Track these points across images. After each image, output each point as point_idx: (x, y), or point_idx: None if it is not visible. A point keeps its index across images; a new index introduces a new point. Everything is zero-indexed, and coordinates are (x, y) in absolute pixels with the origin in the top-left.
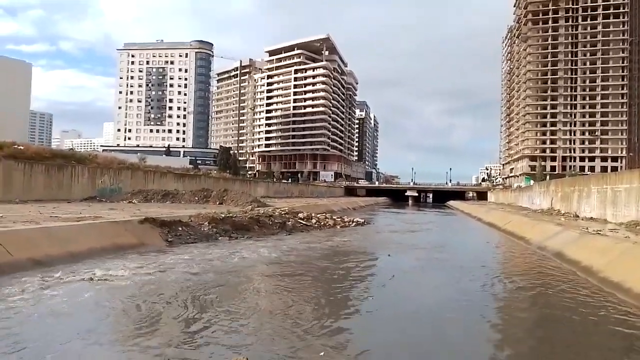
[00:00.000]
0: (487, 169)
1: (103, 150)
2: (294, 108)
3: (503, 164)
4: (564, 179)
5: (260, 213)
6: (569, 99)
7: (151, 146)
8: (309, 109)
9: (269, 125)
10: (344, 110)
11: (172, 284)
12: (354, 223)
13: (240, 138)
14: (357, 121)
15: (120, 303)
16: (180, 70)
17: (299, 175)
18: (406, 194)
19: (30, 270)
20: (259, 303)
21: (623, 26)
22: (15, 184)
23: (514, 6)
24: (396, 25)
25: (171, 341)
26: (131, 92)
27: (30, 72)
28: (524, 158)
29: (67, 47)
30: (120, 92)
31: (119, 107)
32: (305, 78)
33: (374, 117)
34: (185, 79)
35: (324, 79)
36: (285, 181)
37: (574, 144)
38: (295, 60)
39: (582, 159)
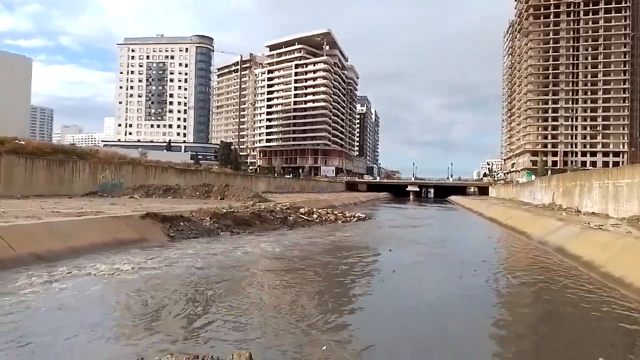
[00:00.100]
0: (489, 164)
1: (104, 145)
2: (295, 103)
3: (504, 159)
4: (566, 174)
5: (261, 208)
6: (570, 93)
7: (152, 141)
8: (309, 104)
9: (269, 120)
10: (344, 105)
11: (177, 279)
12: (355, 218)
13: (241, 133)
14: (358, 116)
15: (126, 297)
16: (180, 65)
17: (300, 170)
18: (407, 189)
19: (33, 265)
20: (262, 298)
21: (625, 20)
22: (17, 179)
23: (515, 0)
24: (396, 25)
25: (176, 336)
26: (131, 87)
27: (31, 67)
28: (526, 153)
29: (66, 42)
30: (121, 87)
31: (120, 102)
32: (306, 73)
33: (375, 112)
34: (186, 74)
35: (324, 73)
36: (287, 176)
37: (576, 138)
38: (296, 55)
39: (583, 153)
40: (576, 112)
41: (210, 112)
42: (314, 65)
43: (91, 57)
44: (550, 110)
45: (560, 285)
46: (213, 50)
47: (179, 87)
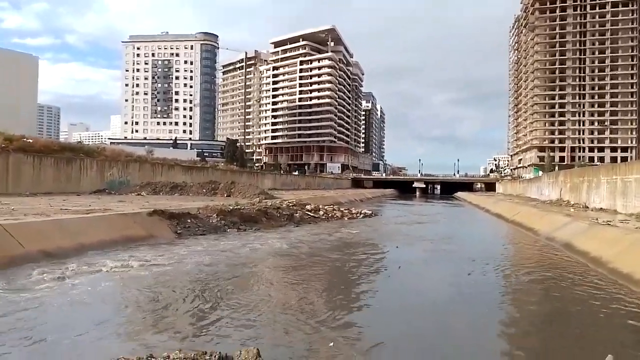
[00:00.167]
0: (496, 160)
1: (111, 143)
2: (300, 99)
3: (511, 155)
4: (573, 169)
5: (267, 205)
6: (577, 88)
7: (158, 139)
8: (315, 100)
9: (275, 117)
10: (350, 101)
11: (186, 275)
12: (362, 215)
13: (247, 130)
14: (363, 112)
15: (135, 294)
16: (185, 62)
17: (306, 167)
18: (413, 185)
19: (43, 262)
20: (271, 294)
21: (632, 14)
22: (25, 177)
23: None
24: (403, 18)
25: (185, 332)
26: (137, 85)
27: (37, 66)
28: (533, 149)
29: (72, 40)
30: (127, 85)
31: (126, 100)
32: (311, 69)
33: (381, 108)
34: (191, 71)
35: (329, 70)
36: (293, 173)
37: (583, 134)
38: (301, 51)
39: (591, 149)
40: (583, 107)
41: (216, 110)
42: (319, 62)
43: (97, 55)
44: (557, 106)
45: (568, 281)
46: (218, 48)
47: (185, 85)
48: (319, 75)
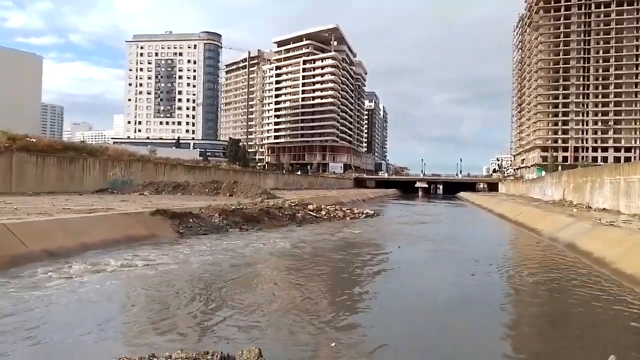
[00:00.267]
0: (498, 160)
1: (114, 142)
2: (303, 99)
3: (514, 155)
4: (576, 169)
5: (270, 205)
6: (581, 88)
7: (161, 138)
8: (317, 100)
9: (277, 116)
10: (352, 101)
11: (189, 275)
12: (364, 215)
13: (249, 130)
14: (366, 112)
15: (138, 293)
16: (189, 61)
17: (308, 166)
18: (416, 185)
19: (46, 261)
20: (275, 294)
21: (637, 14)
22: (28, 176)
23: None
24: (403, 18)
25: (188, 331)
26: (140, 84)
27: (41, 65)
28: (536, 149)
29: (76, 39)
30: (130, 84)
31: (129, 99)
32: (314, 69)
33: (383, 107)
34: (194, 71)
35: (332, 69)
36: (295, 173)
37: (587, 134)
38: (304, 50)
39: (594, 149)
40: (587, 107)
41: (219, 109)
42: (322, 61)
43: (100, 54)
44: (560, 105)
45: (571, 282)
46: (221, 47)
47: (188, 84)
48: (322, 75)
